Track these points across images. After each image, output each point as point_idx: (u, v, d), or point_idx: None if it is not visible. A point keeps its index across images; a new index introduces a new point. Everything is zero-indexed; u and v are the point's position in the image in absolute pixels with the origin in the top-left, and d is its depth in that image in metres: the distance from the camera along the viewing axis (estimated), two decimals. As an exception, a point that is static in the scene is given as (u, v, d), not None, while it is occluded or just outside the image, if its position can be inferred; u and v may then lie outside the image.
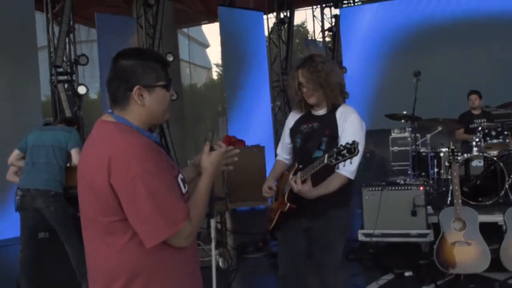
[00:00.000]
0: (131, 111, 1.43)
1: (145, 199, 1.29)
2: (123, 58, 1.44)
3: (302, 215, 2.38)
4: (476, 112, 6.06)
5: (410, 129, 6.22)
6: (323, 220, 2.38)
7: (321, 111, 2.46)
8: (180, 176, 1.48)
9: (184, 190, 1.47)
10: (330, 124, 2.38)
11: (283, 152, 2.65)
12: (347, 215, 2.51)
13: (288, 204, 2.33)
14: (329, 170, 2.24)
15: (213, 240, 1.70)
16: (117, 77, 1.43)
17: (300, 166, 2.29)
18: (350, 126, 2.34)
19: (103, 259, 1.40)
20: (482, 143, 5.00)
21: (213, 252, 1.66)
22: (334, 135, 2.35)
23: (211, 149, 1.59)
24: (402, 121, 6.18)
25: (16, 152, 3.90)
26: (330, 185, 2.28)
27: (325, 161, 2.09)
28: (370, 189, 4.56)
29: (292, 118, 2.58)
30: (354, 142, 2.03)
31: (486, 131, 5.03)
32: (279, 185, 2.52)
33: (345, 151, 2.03)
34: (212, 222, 1.68)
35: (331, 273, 2.42)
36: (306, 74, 2.35)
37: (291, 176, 2.34)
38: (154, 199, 1.30)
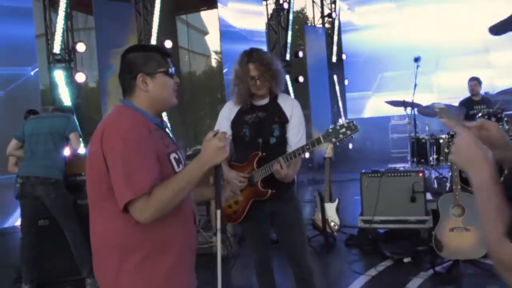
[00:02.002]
0: (137, 97, 1.59)
1: (120, 162, 1.43)
2: (127, 53, 1.63)
3: (266, 200, 2.51)
4: (476, 98, 6.03)
5: (409, 115, 6.21)
6: (285, 202, 2.57)
7: (263, 101, 2.60)
8: (174, 155, 1.57)
9: (177, 169, 1.56)
10: (277, 112, 2.56)
11: None
12: (296, 193, 2.77)
13: (269, 191, 2.48)
14: (278, 154, 2.42)
15: (218, 231, 1.68)
16: (123, 70, 1.62)
17: (264, 154, 2.48)
18: (296, 111, 2.58)
19: (97, 231, 1.54)
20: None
21: (219, 244, 1.66)
22: (283, 121, 2.54)
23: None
24: (402, 107, 6.15)
25: (13, 142, 3.89)
26: (298, 165, 2.50)
27: (322, 141, 2.31)
28: (369, 175, 4.56)
29: (230, 111, 2.64)
30: (352, 120, 2.31)
31: (486, 117, 5.01)
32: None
33: (343, 129, 2.28)
34: (218, 213, 1.65)
35: (303, 250, 2.60)
36: (259, 67, 2.47)
37: (255, 165, 2.49)
38: (125, 164, 1.43)
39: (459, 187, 3.59)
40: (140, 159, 1.44)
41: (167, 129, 1.66)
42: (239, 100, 2.57)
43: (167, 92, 1.62)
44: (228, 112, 2.64)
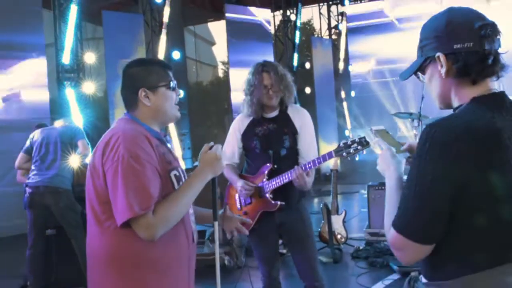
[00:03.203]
0: (140, 111, 1.61)
1: (120, 180, 1.42)
2: (129, 68, 1.66)
3: (275, 211, 2.53)
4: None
5: (416, 127, 6.19)
6: (295, 212, 2.58)
7: (273, 113, 2.62)
8: (175, 172, 1.57)
9: (177, 186, 1.56)
10: (286, 123, 2.59)
11: (233, 157, 2.69)
12: (306, 205, 2.79)
13: (279, 203, 2.50)
14: (289, 166, 2.47)
15: (216, 241, 1.70)
16: (125, 84, 1.65)
17: (275, 166, 2.51)
18: (306, 121, 2.62)
19: (89, 240, 1.55)
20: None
21: (217, 254, 1.67)
22: (293, 132, 2.57)
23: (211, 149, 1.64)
24: (409, 120, 6.14)
25: (22, 155, 3.94)
26: (312, 175, 2.52)
27: (334, 155, 2.39)
28: (377, 188, 4.55)
29: (241, 123, 2.66)
30: (363, 136, 2.34)
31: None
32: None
33: (355, 145, 2.33)
34: (215, 224, 1.68)
35: (315, 263, 2.60)
36: (274, 77, 2.51)
37: (265, 177, 2.53)
38: (127, 182, 1.41)
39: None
40: (144, 175, 1.43)
41: (168, 145, 1.67)
42: (250, 110, 2.58)
43: (169, 106, 1.63)
44: (238, 125, 2.67)
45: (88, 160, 4.17)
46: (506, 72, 1.17)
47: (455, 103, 1.20)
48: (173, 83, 1.65)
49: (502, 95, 1.16)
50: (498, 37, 1.14)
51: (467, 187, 1.06)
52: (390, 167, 1.30)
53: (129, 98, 1.63)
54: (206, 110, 17.28)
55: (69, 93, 7.21)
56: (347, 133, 11.33)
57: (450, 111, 1.23)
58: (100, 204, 1.48)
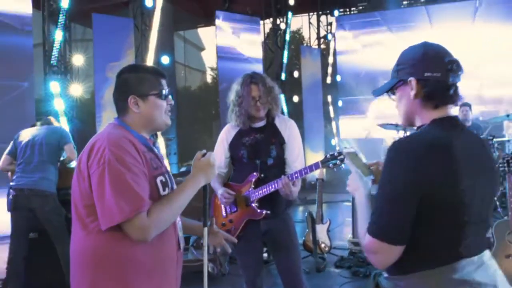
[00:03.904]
0: (129, 117, 1.64)
1: (108, 184, 1.43)
2: (121, 74, 1.67)
3: (261, 219, 2.56)
4: (467, 124, 6.16)
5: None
6: (280, 221, 2.61)
7: (261, 123, 2.66)
8: (161, 178, 1.58)
9: (162, 192, 1.57)
10: (274, 133, 2.63)
11: (220, 166, 2.70)
12: (291, 213, 2.83)
13: (264, 212, 2.54)
14: (276, 175, 2.53)
15: (205, 247, 1.72)
16: (116, 90, 1.67)
17: (262, 175, 2.55)
18: (293, 131, 2.66)
19: (73, 243, 1.56)
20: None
21: (205, 260, 1.68)
22: (280, 142, 2.62)
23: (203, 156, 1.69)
24: (395, 130, 6.25)
25: (5, 157, 3.87)
26: (299, 184, 2.57)
27: (320, 166, 2.44)
28: (361, 198, 4.59)
29: (229, 133, 2.71)
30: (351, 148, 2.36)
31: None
32: (237, 195, 2.65)
33: (341, 156, 2.39)
34: (205, 230, 1.69)
35: (300, 272, 2.62)
36: (262, 89, 2.55)
37: (252, 186, 2.56)
38: (115, 185, 1.43)
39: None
40: (131, 177, 1.45)
41: (156, 151, 1.68)
42: (238, 120, 2.62)
43: (159, 114, 1.65)
44: (226, 135, 2.71)
45: (73, 164, 4.14)
46: (461, 103, 1.40)
47: (418, 123, 1.39)
48: (165, 92, 1.66)
49: (456, 118, 1.38)
50: (460, 72, 1.34)
51: (428, 192, 1.22)
52: (359, 188, 1.46)
53: (119, 103, 1.65)
54: (193, 115, 17.26)
55: (56, 94, 7.16)
56: (333, 142, 11.43)
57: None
58: (85, 207, 1.49)
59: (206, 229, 1.72)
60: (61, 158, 3.91)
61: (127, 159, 1.46)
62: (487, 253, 1.34)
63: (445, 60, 1.32)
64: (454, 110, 1.38)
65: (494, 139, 5.17)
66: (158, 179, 1.57)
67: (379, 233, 1.26)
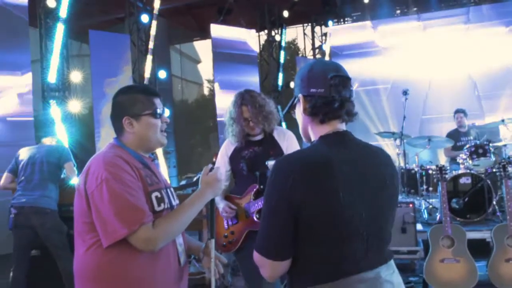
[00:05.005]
0: (125, 137, 1.70)
1: (108, 201, 1.48)
2: (116, 96, 1.73)
3: None
4: (462, 130, 6.22)
5: (398, 146, 6.35)
6: None
7: (259, 136, 2.74)
8: (156, 194, 1.62)
9: (157, 208, 1.60)
10: (272, 145, 2.70)
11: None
12: None
13: None
14: None
15: (212, 260, 1.74)
16: (112, 112, 1.72)
17: (261, 187, 2.59)
18: (291, 142, 2.71)
19: (76, 260, 1.59)
20: (469, 161, 5.14)
21: (213, 272, 1.70)
22: (278, 153, 2.66)
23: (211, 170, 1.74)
24: (391, 139, 6.30)
25: (6, 175, 3.88)
26: None
27: None
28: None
29: (228, 148, 2.79)
30: None
31: (473, 149, 5.16)
32: (237, 207, 2.70)
33: None
34: (212, 243, 1.72)
35: None
36: (252, 110, 2.62)
37: (252, 197, 2.61)
38: (115, 202, 1.48)
39: (448, 218, 3.67)
40: (129, 193, 1.50)
41: (153, 168, 1.72)
42: (234, 139, 2.72)
43: (153, 133, 1.69)
44: (226, 150, 2.79)
45: (73, 181, 4.16)
46: (353, 118, 1.42)
47: (313, 138, 1.43)
48: (159, 110, 1.70)
49: (343, 133, 1.40)
50: (347, 87, 1.37)
51: (303, 209, 1.24)
52: None
53: (115, 124, 1.71)
54: (191, 128, 17.30)
55: (55, 111, 7.19)
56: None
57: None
58: (85, 224, 1.54)
59: (213, 241, 1.75)
60: (62, 176, 3.93)
61: (123, 176, 1.52)
62: (383, 269, 1.32)
63: (328, 76, 1.35)
64: (342, 125, 1.40)
65: (491, 144, 5.20)
66: (153, 195, 1.61)
67: (260, 248, 1.31)
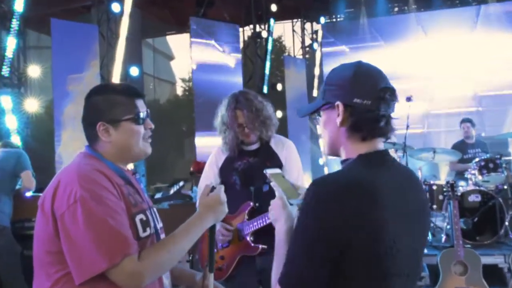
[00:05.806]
0: (100, 146, 1.54)
1: (83, 226, 1.31)
2: (89, 96, 1.57)
3: (256, 255, 2.49)
4: (470, 141, 6.23)
5: (400, 158, 6.32)
6: None
7: (254, 146, 2.63)
8: (141, 216, 1.48)
9: (142, 233, 1.46)
10: (269, 156, 2.59)
11: None
12: None
13: (260, 247, 2.45)
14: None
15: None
16: (84, 115, 1.57)
17: (257, 205, 2.48)
18: (291, 152, 2.63)
19: None
20: (478, 176, 5.12)
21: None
22: (277, 165, 2.54)
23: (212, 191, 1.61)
24: (392, 150, 6.27)
25: None
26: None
27: None
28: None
29: (218, 157, 2.67)
30: None
31: (483, 163, 5.15)
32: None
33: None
34: (211, 277, 1.60)
35: None
36: (248, 114, 2.51)
37: (246, 217, 2.49)
38: (92, 227, 1.32)
39: (460, 242, 3.63)
40: (111, 216, 1.35)
41: (136, 184, 1.57)
42: (226, 147, 2.59)
43: (135, 141, 1.55)
44: (216, 159, 2.67)
45: (29, 194, 3.97)
46: (393, 135, 1.33)
47: (343, 155, 1.33)
48: (142, 115, 1.56)
49: (385, 153, 1.31)
50: (394, 102, 1.28)
51: (345, 243, 1.14)
52: (281, 219, 1.37)
53: (88, 130, 1.56)
54: (163, 132, 17.08)
55: (7, 110, 6.93)
56: (321, 161, 11.45)
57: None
58: (50, 254, 1.38)
59: (212, 275, 1.62)
60: (17, 187, 3.75)
61: (102, 194, 1.37)
62: None
63: (378, 86, 1.25)
64: (382, 144, 1.32)
65: (502, 158, 5.21)
66: (137, 218, 1.47)
67: (286, 285, 1.18)
